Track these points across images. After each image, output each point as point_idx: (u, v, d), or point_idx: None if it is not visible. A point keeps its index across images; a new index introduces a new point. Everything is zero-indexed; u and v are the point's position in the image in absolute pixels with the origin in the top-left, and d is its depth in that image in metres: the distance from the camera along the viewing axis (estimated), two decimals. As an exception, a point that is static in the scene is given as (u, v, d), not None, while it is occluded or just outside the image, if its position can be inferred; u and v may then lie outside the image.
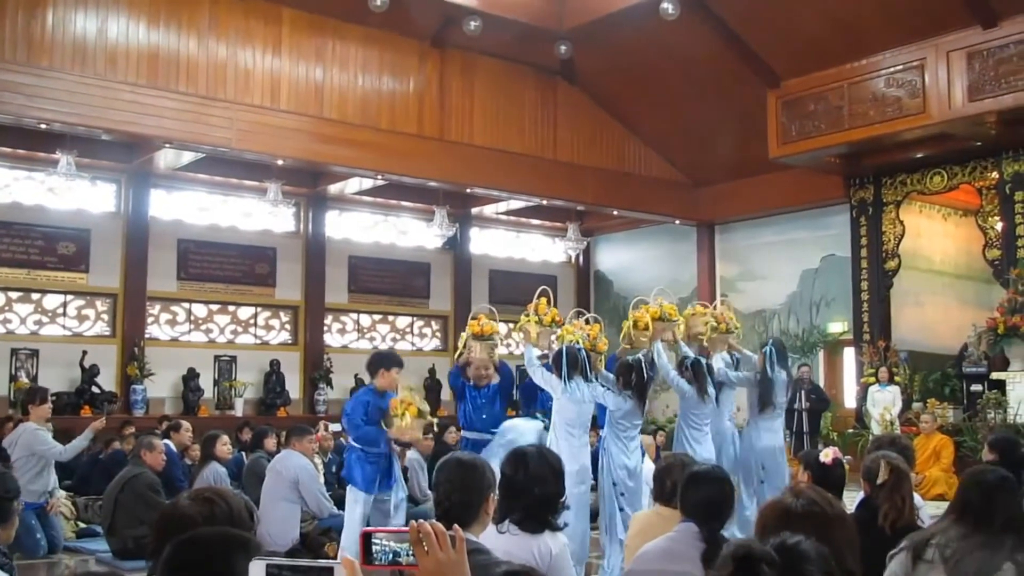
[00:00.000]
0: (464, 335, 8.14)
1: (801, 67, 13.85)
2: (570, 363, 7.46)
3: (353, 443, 7.66)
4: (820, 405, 14.33)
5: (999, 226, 13.75)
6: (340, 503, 9.08)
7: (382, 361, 7.67)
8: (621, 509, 7.45)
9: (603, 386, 7.79)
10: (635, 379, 7.70)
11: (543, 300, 8.30)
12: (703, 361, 8.34)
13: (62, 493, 10.03)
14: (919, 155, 14.03)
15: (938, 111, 12.56)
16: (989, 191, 13.94)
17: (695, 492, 3.87)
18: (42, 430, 8.79)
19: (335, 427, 11.96)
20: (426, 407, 7.60)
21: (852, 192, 15.24)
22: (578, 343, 7.68)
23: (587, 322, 8.23)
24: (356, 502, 7.46)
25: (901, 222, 14.86)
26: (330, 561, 1.77)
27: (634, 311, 8.51)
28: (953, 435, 12.33)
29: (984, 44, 12.13)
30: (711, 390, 8.22)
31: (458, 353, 8.34)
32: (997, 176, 13.60)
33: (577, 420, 7.45)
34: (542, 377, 7.59)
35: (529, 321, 8.15)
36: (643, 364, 7.77)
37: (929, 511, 5.44)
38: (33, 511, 8.31)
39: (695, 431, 8.16)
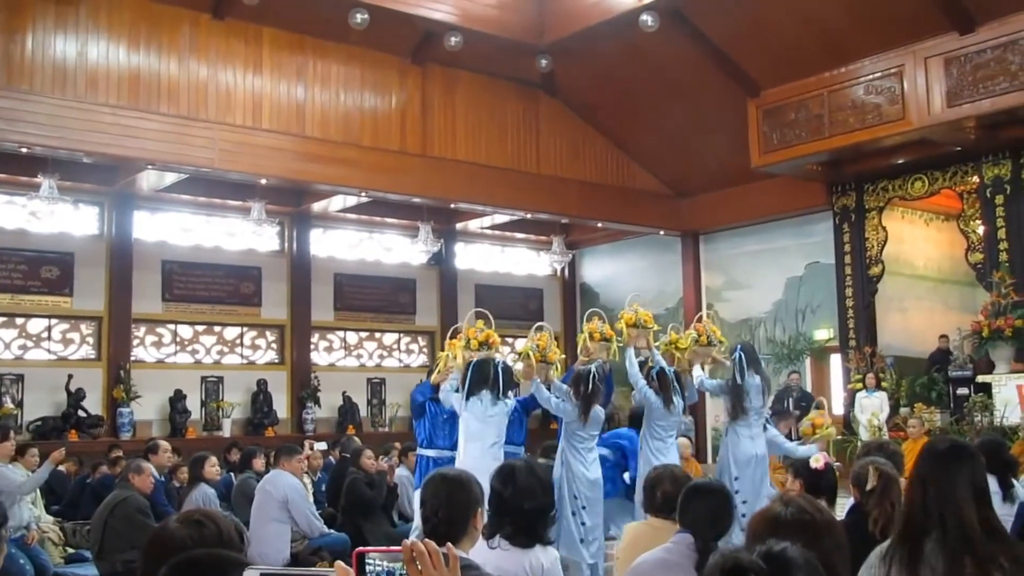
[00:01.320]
0: (446, 353, 8.07)
1: (781, 76, 13.93)
2: (475, 379, 7.47)
3: (420, 451, 7.96)
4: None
5: (981, 230, 13.82)
6: (330, 522, 9.08)
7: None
8: (583, 523, 7.41)
9: (556, 397, 7.75)
10: (583, 389, 7.64)
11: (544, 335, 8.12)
12: (670, 371, 8.19)
13: (49, 519, 9.97)
14: (900, 161, 14.11)
15: (917, 117, 12.64)
16: (970, 195, 14.02)
17: (695, 504, 3.89)
18: (7, 467, 8.71)
19: (321, 446, 11.92)
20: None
21: (835, 199, 15.31)
22: (516, 355, 7.70)
23: (539, 330, 8.10)
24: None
25: (884, 228, 14.93)
26: (325, 570, 1.76)
27: (587, 323, 8.33)
28: (941, 439, 12.35)
29: (961, 50, 12.22)
30: (677, 400, 8.11)
31: (437, 370, 8.26)
32: (978, 180, 13.69)
33: (480, 435, 7.39)
34: (453, 398, 7.65)
35: (454, 346, 8.01)
36: (593, 375, 7.68)
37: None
38: (14, 543, 8.24)
39: (659, 442, 7.97)
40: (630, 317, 8.30)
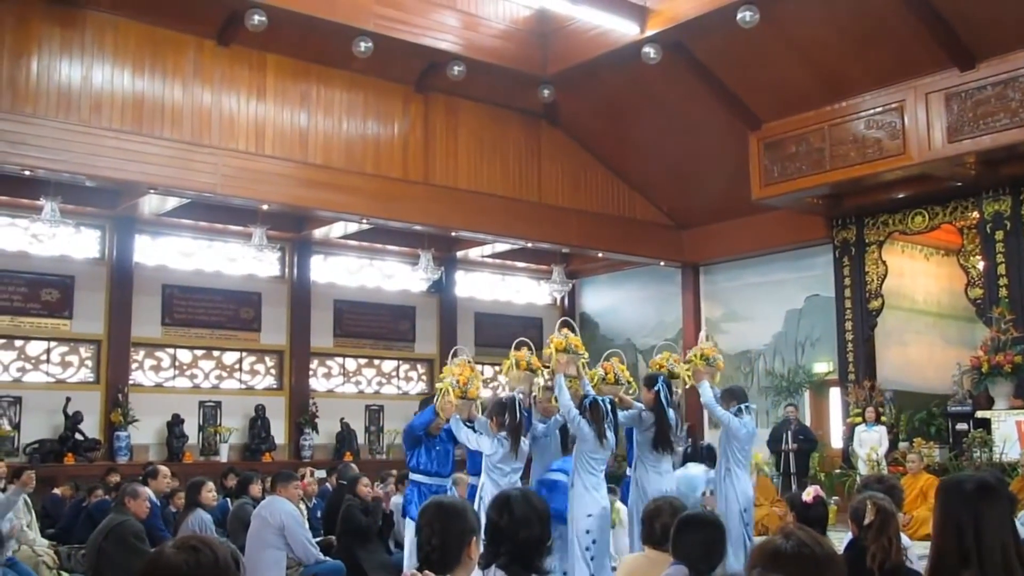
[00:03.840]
0: (446, 384, 8.02)
1: (782, 109, 13.99)
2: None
3: (412, 477, 7.91)
4: (807, 446, 14.33)
5: (981, 265, 13.84)
6: (326, 550, 9.04)
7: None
8: None
9: (476, 431, 7.69)
10: (508, 420, 7.55)
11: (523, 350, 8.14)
12: (603, 401, 7.80)
13: (44, 542, 9.94)
14: (900, 195, 14.15)
15: (918, 152, 12.68)
16: (970, 231, 14.05)
17: (687, 536, 3.90)
18: None
19: (320, 473, 11.89)
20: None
21: (835, 232, 15.34)
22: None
23: (455, 355, 8.09)
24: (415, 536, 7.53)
25: (884, 262, 14.94)
26: None
27: (515, 351, 8.16)
28: (940, 475, 12.29)
29: (962, 86, 12.28)
30: (610, 434, 7.73)
31: (436, 400, 8.23)
32: (978, 216, 13.72)
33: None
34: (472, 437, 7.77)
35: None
36: (517, 404, 7.58)
37: (917, 551, 5.43)
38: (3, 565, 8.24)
39: (591, 476, 7.61)
40: (560, 342, 8.01)
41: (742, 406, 8.42)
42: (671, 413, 8.13)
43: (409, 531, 8.23)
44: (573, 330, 8.25)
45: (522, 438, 7.62)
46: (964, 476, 3.46)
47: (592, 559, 7.35)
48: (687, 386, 8.90)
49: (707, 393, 8.49)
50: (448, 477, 8.39)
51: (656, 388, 8.16)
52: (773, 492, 13.26)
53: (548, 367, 8.13)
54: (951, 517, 3.19)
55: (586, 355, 8.25)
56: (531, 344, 8.32)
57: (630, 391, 8.67)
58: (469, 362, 8.20)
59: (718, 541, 3.96)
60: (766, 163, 14.32)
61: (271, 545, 7.88)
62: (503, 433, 7.54)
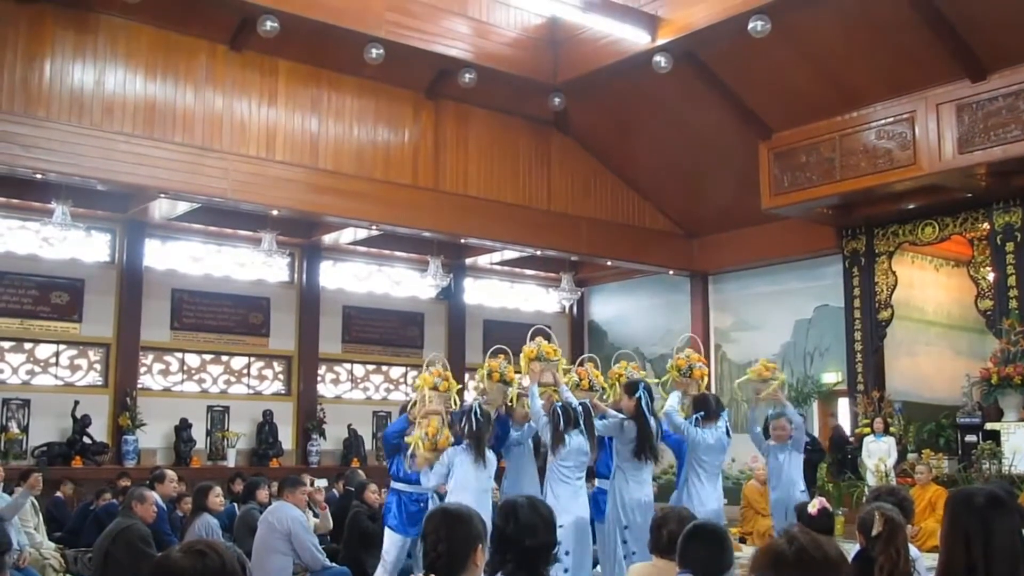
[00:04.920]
0: (419, 384, 8.01)
1: (792, 119, 13.98)
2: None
3: (393, 485, 7.77)
4: (816, 456, 14.24)
5: (991, 276, 13.81)
6: (332, 556, 9.04)
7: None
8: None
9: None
10: (466, 427, 7.45)
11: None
12: (574, 407, 7.66)
13: (51, 545, 9.95)
14: (910, 206, 14.12)
15: (928, 163, 12.66)
16: (980, 242, 14.02)
17: (694, 545, 3.90)
18: None
19: (321, 483, 11.81)
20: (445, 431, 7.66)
21: (844, 243, 15.31)
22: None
23: (430, 366, 8.05)
24: (393, 545, 7.50)
25: (894, 272, 14.91)
26: None
27: (491, 359, 8.07)
28: (948, 486, 12.25)
29: (973, 97, 12.26)
30: (581, 440, 7.60)
31: (411, 404, 8.20)
32: (988, 227, 13.69)
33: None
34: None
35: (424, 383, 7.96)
36: (474, 411, 7.47)
37: (925, 563, 5.41)
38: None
39: (563, 485, 7.51)
40: (531, 351, 7.92)
41: (698, 415, 8.23)
42: (652, 421, 7.94)
43: (388, 539, 8.18)
44: (548, 338, 8.13)
45: (487, 448, 7.50)
46: (974, 488, 3.45)
47: (565, 571, 7.16)
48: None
49: (670, 401, 8.35)
50: None
51: (637, 395, 7.91)
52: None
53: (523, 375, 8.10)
54: (960, 529, 3.18)
55: (561, 361, 8.14)
56: (508, 352, 8.25)
57: (604, 397, 8.57)
58: (445, 367, 8.14)
59: (725, 549, 3.95)
60: (776, 172, 14.30)
61: (277, 551, 7.88)
62: (467, 440, 7.44)
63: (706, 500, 7.95)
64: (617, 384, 8.73)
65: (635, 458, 7.85)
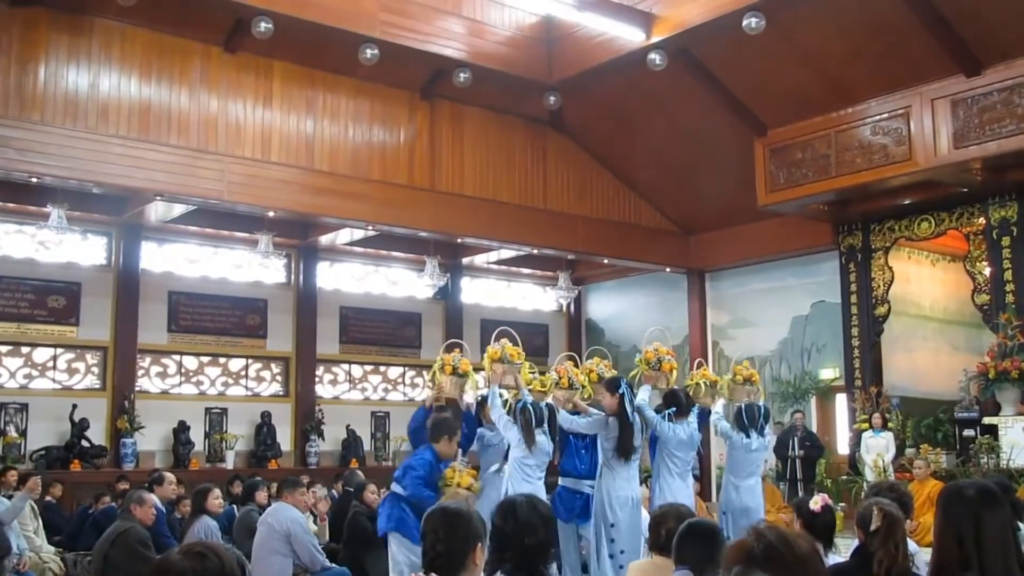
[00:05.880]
0: (435, 371, 8.01)
1: (788, 116, 13.99)
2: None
3: (400, 491, 7.73)
4: (814, 452, 14.30)
5: (987, 271, 13.83)
6: (332, 556, 9.03)
7: (445, 429, 7.68)
8: None
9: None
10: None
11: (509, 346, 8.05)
12: (533, 406, 7.70)
13: (51, 549, 9.95)
14: (906, 202, 14.13)
15: (924, 158, 12.67)
16: (976, 236, 14.04)
17: (691, 543, 3.94)
18: None
19: (321, 491, 11.73)
20: (476, 483, 7.59)
21: (841, 239, 15.32)
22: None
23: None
24: (401, 551, 7.54)
25: (890, 268, 14.92)
26: None
27: (444, 353, 8.14)
28: (947, 481, 12.27)
29: (968, 92, 12.27)
30: (543, 439, 7.67)
31: (432, 396, 8.18)
32: (984, 222, 13.70)
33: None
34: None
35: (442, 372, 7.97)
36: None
37: (924, 558, 5.42)
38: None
39: (526, 484, 7.48)
40: (495, 352, 7.91)
41: (669, 411, 8.25)
42: (636, 418, 7.92)
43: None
44: (514, 340, 8.10)
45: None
46: (965, 483, 3.47)
47: None
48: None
49: (641, 394, 8.35)
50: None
51: (620, 391, 7.90)
52: (779, 499, 13.25)
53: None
54: (952, 523, 3.20)
55: (524, 364, 8.11)
56: (463, 345, 8.30)
57: (584, 395, 8.53)
58: (463, 352, 8.15)
59: (720, 546, 3.99)
60: (772, 169, 14.31)
61: (277, 551, 7.87)
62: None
63: (677, 495, 7.94)
64: (588, 381, 8.70)
65: (619, 455, 7.83)
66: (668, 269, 17.95)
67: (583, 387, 8.47)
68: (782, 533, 2.40)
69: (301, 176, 13.48)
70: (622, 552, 7.53)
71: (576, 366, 8.72)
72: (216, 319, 15.94)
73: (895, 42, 12.31)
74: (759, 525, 2.48)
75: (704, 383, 9.17)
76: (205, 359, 15.95)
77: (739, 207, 15.41)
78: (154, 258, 15.45)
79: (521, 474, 7.58)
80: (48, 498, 11.99)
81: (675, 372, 8.77)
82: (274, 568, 7.81)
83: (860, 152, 13.30)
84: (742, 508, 8.88)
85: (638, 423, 7.94)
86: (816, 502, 4.69)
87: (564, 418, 8.03)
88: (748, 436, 8.92)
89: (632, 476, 7.94)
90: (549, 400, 8.13)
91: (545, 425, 7.70)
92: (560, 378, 8.32)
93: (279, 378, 16.62)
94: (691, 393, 9.03)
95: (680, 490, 8.13)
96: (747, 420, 8.88)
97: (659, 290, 18.84)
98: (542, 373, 8.54)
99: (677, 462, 8.17)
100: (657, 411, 8.44)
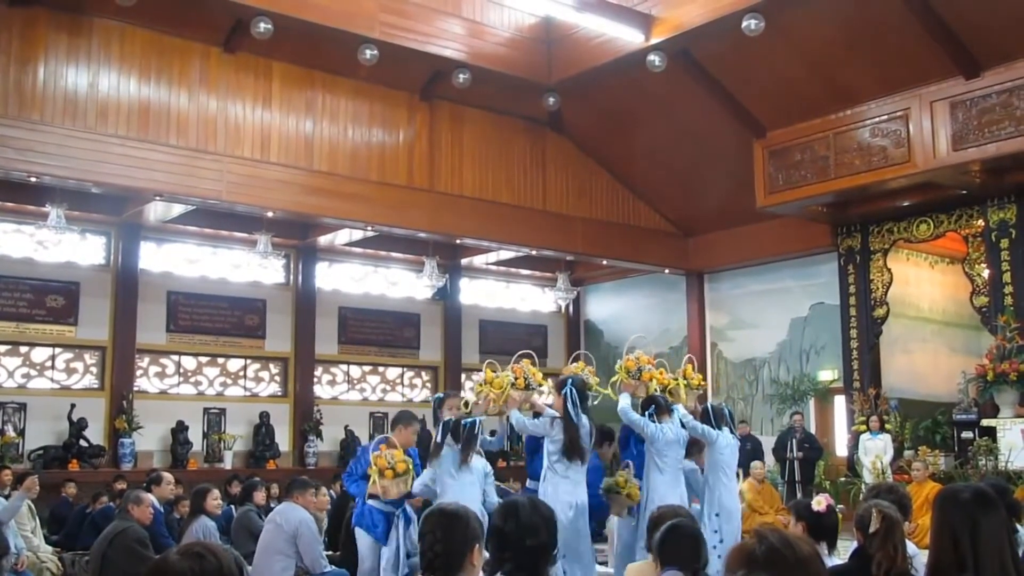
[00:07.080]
0: (481, 387, 7.95)
1: (787, 118, 13.99)
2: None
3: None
4: (813, 454, 14.31)
5: (986, 273, 13.82)
6: (330, 557, 9.01)
7: (402, 418, 8.14)
8: None
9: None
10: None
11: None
12: (467, 423, 7.72)
13: (48, 548, 9.94)
14: (905, 203, 14.14)
15: (923, 160, 12.67)
16: (975, 239, 14.04)
17: (671, 544, 4.07)
18: None
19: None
20: (408, 472, 7.63)
21: (840, 240, 15.33)
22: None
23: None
24: (370, 550, 7.63)
25: (889, 270, 14.92)
26: None
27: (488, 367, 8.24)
28: (945, 483, 12.28)
29: (967, 94, 12.28)
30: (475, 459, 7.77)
31: (469, 406, 8.10)
32: (983, 224, 13.70)
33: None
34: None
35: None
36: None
37: (922, 559, 5.42)
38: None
39: (564, 481, 7.57)
40: (521, 380, 8.01)
41: (650, 412, 8.14)
42: (584, 420, 7.68)
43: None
44: (534, 361, 8.16)
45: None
46: (961, 486, 3.48)
47: None
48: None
49: (622, 401, 8.23)
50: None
51: (563, 392, 7.68)
52: (778, 500, 13.24)
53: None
54: (948, 525, 3.20)
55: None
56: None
57: (543, 391, 8.40)
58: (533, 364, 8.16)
59: (701, 543, 4.13)
60: (771, 171, 14.31)
61: (281, 552, 7.83)
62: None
63: (666, 495, 7.81)
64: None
65: (564, 457, 7.65)
66: (667, 270, 17.95)
67: (540, 385, 8.30)
68: (784, 535, 2.40)
69: (300, 176, 13.47)
70: (564, 556, 7.23)
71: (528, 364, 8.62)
72: (215, 319, 15.93)
73: (894, 44, 12.31)
74: (760, 527, 2.49)
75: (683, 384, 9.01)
76: (204, 359, 15.94)
77: (738, 208, 15.42)
78: (153, 258, 15.44)
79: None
80: (63, 494, 12.03)
81: (655, 382, 8.66)
82: (276, 569, 7.78)
83: (859, 154, 13.30)
84: (731, 509, 8.84)
85: (586, 425, 7.74)
86: (819, 503, 4.70)
87: (516, 420, 7.91)
88: (725, 434, 8.83)
89: (579, 480, 7.69)
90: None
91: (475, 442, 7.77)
92: (516, 378, 8.10)
93: (278, 378, 16.61)
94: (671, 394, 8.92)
95: (671, 489, 8.07)
96: (715, 419, 8.66)
97: (658, 291, 18.84)
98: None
99: (667, 461, 8.14)
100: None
